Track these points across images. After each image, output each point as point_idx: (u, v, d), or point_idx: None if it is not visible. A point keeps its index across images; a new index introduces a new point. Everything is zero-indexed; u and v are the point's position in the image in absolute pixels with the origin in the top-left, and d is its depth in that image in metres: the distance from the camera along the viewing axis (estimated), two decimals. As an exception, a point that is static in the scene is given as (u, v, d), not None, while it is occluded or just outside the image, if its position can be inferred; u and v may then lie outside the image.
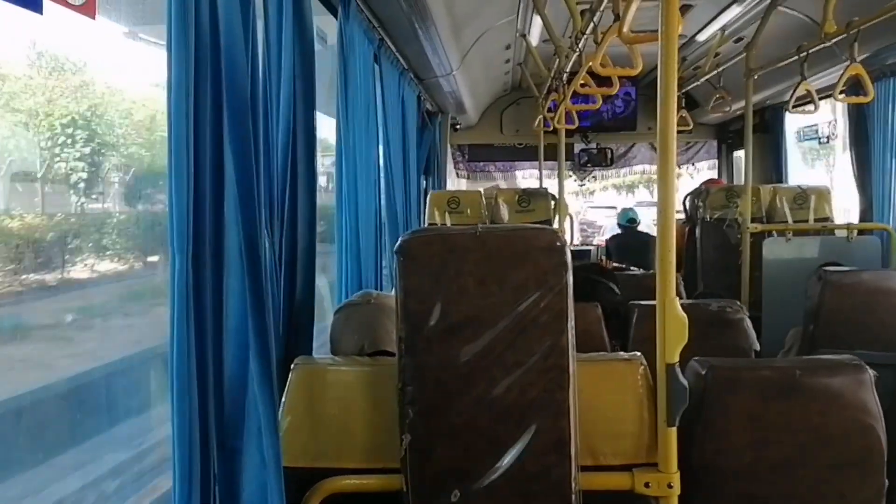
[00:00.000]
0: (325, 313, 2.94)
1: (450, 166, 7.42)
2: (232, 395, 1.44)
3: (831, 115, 5.93)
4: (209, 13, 1.41)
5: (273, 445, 1.45)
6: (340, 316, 2.23)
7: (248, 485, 1.46)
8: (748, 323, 2.84)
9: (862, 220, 4.72)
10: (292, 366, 1.88)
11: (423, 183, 6.02)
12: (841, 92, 3.54)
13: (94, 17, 1.19)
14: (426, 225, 5.13)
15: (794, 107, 4.14)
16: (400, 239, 1.68)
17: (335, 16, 2.79)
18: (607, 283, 3.18)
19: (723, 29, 4.72)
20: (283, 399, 1.83)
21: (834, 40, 3.28)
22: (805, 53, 3.65)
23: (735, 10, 4.29)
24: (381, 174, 3.79)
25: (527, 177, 8.29)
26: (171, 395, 1.33)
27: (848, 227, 4.56)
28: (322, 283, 3.14)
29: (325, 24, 2.98)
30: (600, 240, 9.36)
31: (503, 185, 7.90)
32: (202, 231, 1.36)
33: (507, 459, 1.63)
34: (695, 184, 6.87)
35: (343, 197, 2.90)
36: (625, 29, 2.32)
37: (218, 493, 1.44)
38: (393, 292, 1.74)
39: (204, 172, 1.37)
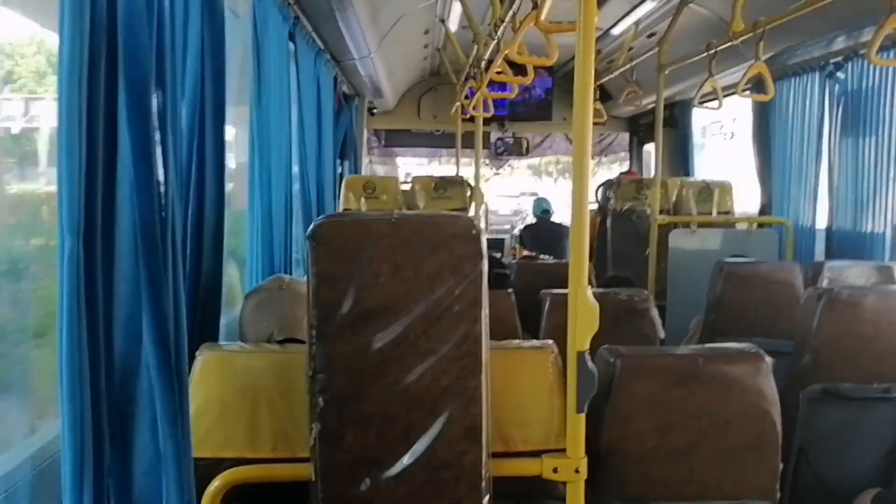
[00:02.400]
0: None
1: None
2: (124, 385, 1.37)
3: (737, 113, 6.19)
4: None
5: (172, 436, 1.38)
6: (250, 301, 2.16)
7: (142, 477, 1.39)
8: (655, 312, 2.93)
9: (762, 214, 4.95)
10: (197, 353, 1.80)
11: (339, 167, 5.93)
12: (744, 89, 3.69)
13: None
14: (341, 210, 5.05)
15: (700, 103, 4.30)
16: (313, 223, 1.63)
17: (248, -11, 2.68)
18: (505, 273, 3.30)
19: (636, 23, 4.84)
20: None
21: (741, 39, 3.40)
22: (713, 51, 3.78)
23: (648, 6, 4.40)
24: (295, 157, 3.70)
25: (407, 163, 8.31)
26: (60, 385, 1.25)
27: (749, 220, 4.78)
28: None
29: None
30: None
31: (380, 170, 7.91)
32: (94, 211, 1.27)
33: (419, 447, 1.62)
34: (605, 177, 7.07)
35: (255, 179, 2.81)
36: (542, 17, 2.33)
37: (111, 486, 1.37)
38: (305, 278, 1.69)
39: (96, 149, 1.28)
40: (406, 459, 1.62)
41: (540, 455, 1.75)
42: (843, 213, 4.07)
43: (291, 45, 3.43)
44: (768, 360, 1.96)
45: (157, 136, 1.40)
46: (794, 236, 4.44)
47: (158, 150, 1.41)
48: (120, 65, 1.35)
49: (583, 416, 1.72)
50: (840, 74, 4.03)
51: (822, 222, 4.34)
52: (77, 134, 1.24)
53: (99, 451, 1.31)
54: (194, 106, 1.91)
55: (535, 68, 3.33)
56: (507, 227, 9.46)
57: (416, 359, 1.61)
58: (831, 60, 4.03)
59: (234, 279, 3.08)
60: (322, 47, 4.18)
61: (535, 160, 8.49)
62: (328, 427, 1.61)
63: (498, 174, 8.83)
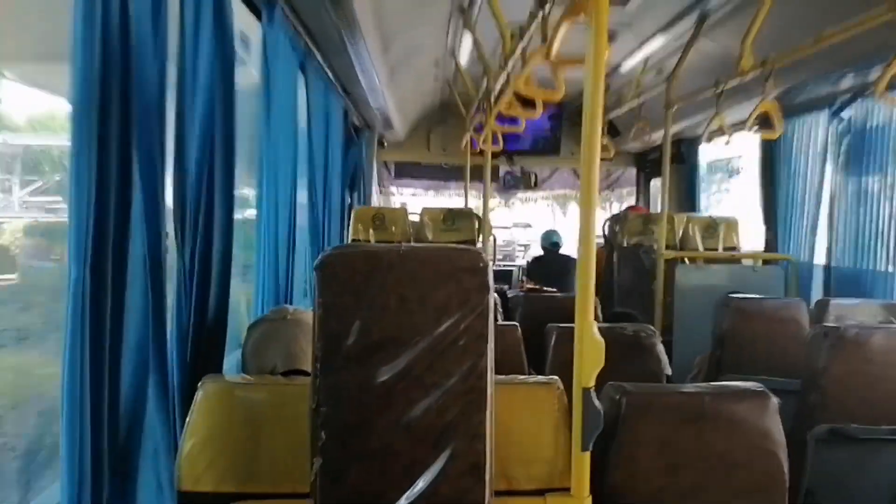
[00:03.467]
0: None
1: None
2: (127, 416, 1.35)
3: (743, 150, 6.22)
4: (119, 11, 1.33)
5: (168, 469, 1.37)
6: (254, 332, 2.15)
7: None
8: (661, 348, 2.90)
9: (767, 250, 4.93)
10: (199, 384, 1.79)
11: (348, 198, 5.96)
12: (752, 126, 3.70)
13: None
14: (349, 241, 5.06)
15: (707, 139, 4.32)
16: (321, 254, 1.63)
17: (259, 19, 2.71)
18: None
19: (645, 60, 4.88)
20: (188, 419, 1.74)
21: (750, 76, 3.42)
22: (721, 88, 3.80)
23: (658, 43, 4.44)
24: (304, 188, 3.72)
25: (403, 193, 8.36)
26: (62, 414, 1.24)
27: (754, 256, 4.77)
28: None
29: (248, 28, 2.90)
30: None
31: (375, 200, 7.93)
32: (104, 240, 1.27)
33: (422, 483, 1.59)
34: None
35: (263, 209, 2.82)
36: (552, 52, 2.35)
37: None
38: (310, 309, 1.68)
39: (108, 180, 1.29)
40: (408, 496, 1.59)
41: (544, 494, 1.73)
42: (844, 251, 4.06)
43: (302, 76, 3.46)
44: (774, 400, 1.94)
45: (168, 168, 1.42)
46: (799, 273, 4.43)
47: (169, 182, 1.42)
48: (131, 96, 1.36)
49: (588, 454, 1.70)
50: (846, 113, 4.04)
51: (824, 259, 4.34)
52: (87, 164, 1.25)
53: (97, 482, 1.30)
54: (204, 138, 1.92)
55: (544, 103, 3.35)
56: (500, 256, 9.39)
57: (420, 392, 1.59)
58: (838, 99, 4.05)
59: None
60: (332, 79, 4.22)
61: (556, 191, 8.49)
62: (330, 462, 1.59)
63: (508, 207, 8.85)
